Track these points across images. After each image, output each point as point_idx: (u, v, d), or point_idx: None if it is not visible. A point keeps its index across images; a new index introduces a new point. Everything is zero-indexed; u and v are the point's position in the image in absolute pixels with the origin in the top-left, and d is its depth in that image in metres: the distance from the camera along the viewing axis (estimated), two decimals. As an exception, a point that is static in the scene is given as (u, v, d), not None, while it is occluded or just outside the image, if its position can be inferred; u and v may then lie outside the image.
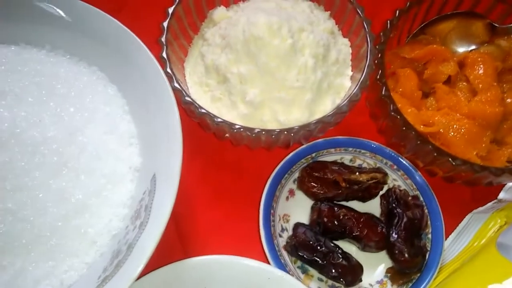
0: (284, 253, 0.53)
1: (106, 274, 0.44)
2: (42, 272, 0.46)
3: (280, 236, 0.54)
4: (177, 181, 0.44)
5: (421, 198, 0.55)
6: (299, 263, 0.54)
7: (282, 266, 0.50)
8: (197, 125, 0.59)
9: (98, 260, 0.47)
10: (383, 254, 0.54)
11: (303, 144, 0.56)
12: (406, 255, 0.50)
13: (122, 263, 0.43)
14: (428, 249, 0.52)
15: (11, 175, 0.44)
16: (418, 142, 0.51)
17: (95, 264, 0.47)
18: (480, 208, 0.56)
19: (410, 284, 0.51)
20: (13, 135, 0.45)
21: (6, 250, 0.45)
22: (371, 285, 0.53)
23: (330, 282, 0.53)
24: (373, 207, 0.56)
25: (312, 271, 0.53)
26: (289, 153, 0.56)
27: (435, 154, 0.51)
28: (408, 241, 0.51)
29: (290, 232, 0.55)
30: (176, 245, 0.55)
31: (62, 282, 0.46)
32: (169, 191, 0.43)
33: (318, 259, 0.51)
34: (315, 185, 0.54)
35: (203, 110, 0.51)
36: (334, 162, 0.56)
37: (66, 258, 0.47)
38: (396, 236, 0.51)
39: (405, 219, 0.52)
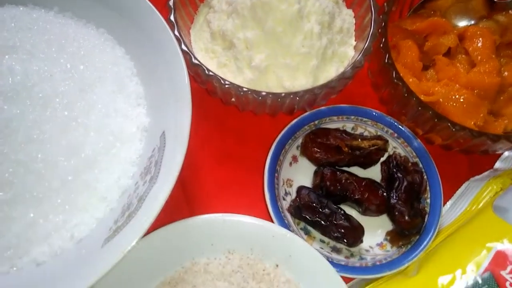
0: (288, 215, 0.54)
1: (118, 225, 0.44)
2: (52, 225, 0.46)
3: (284, 199, 0.55)
4: (187, 136, 0.45)
5: (420, 165, 0.56)
6: (302, 224, 0.55)
7: (286, 227, 0.52)
8: (202, 91, 0.60)
9: (108, 215, 0.48)
10: (382, 218, 0.56)
11: (306, 111, 0.58)
12: (406, 216, 0.51)
13: (133, 214, 0.43)
14: (427, 212, 0.54)
15: (22, 128, 0.45)
16: (419, 108, 0.53)
17: (105, 219, 0.47)
18: (477, 176, 0.58)
19: (409, 246, 0.53)
20: (25, 88, 0.45)
21: (18, 201, 0.45)
22: (371, 247, 0.54)
23: (332, 243, 0.54)
24: (374, 173, 0.58)
25: (314, 232, 0.55)
26: (293, 120, 0.57)
27: (435, 120, 0.53)
28: (408, 203, 0.52)
29: (293, 196, 0.56)
30: (182, 205, 0.56)
31: (73, 235, 0.47)
32: (179, 146, 0.44)
33: (321, 220, 0.52)
34: (318, 150, 0.56)
35: (210, 73, 0.52)
36: (337, 129, 0.58)
37: (77, 212, 0.47)
38: (396, 198, 0.53)
39: (405, 183, 0.53)
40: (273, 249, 0.50)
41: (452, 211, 0.56)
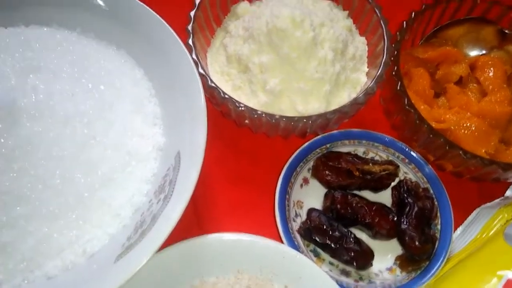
0: (298, 237, 0.55)
1: (131, 242, 0.45)
2: (66, 240, 0.47)
3: (294, 220, 0.56)
4: (202, 157, 0.46)
5: (431, 191, 0.57)
6: (311, 246, 0.55)
7: (296, 248, 0.52)
8: (217, 112, 0.62)
9: (121, 231, 0.48)
10: (392, 243, 0.56)
11: (319, 135, 0.59)
12: (417, 242, 0.52)
13: (146, 232, 0.44)
14: (437, 238, 0.54)
15: (43, 144, 0.46)
16: (430, 135, 0.54)
17: (118, 235, 0.48)
18: (488, 204, 0.58)
19: (419, 272, 0.53)
20: (47, 107, 0.47)
21: (34, 216, 0.46)
22: (380, 271, 0.54)
23: (341, 266, 0.54)
24: (385, 197, 0.58)
25: (324, 255, 0.55)
26: (305, 142, 0.58)
27: (447, 147, 0.53)
28: (419, 229, 0.53)
29: (304, 218, 0.56)
30: (192, 224, 0.56)
31: (85, 250, 0.48)
32: (194, 166, 0.45)
33: (331, 243, 0.53)
34: (329, 173, 0.56)
35: (226, 96, 0.54)
36: (348, 153, 0.58)
37: (90, 228, 0.48)
38: (407, 224, 0.53)
39: (415, 209, 0.54)
40: (282, 270, 0.50)
41: (462, 238, 0.56)
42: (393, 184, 0.58)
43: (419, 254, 0.52)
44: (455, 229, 0.57)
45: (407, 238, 0.52)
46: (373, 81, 0.56)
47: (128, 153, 0.50)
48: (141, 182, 0.51)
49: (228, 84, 0.60)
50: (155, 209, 0.46)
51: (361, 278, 0.53)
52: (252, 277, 0.51)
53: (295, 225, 0.56)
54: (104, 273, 0.44)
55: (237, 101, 0.53)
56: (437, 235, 0.54)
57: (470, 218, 0.57)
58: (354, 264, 0.52)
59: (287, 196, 0.56)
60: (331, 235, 0.53)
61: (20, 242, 0.46)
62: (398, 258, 0.55)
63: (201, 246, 0.50)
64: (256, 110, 0.53)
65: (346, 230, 0.53)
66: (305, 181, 0.59)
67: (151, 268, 0.49)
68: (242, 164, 0.61)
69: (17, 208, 0.46)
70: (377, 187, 0.58)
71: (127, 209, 0.49)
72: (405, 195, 0.55)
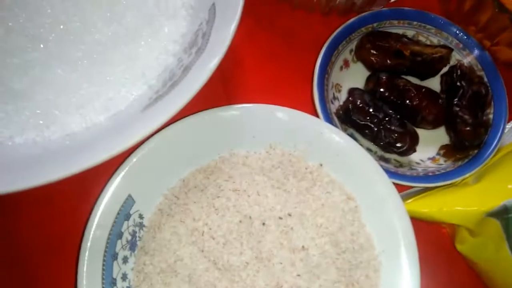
0: (335, 119, 0.50)
1: (159, 94, 0.41)
2: (86, 95, 0.43)
3: (332, 103, 0.51)
4: (241, 7, 0.40)
5: (485, 79, 0.51)
6: (349, 131, 0.51)
7: (333, 129, 0.47)
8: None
9: (146, 92, 0.44)
10: (437, 132, 0.51)
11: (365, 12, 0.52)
12: (470, 125, 0.47)
13: (178, 83, 0.40)
14: (490, 125, 0.49)
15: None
16: (496, 10, 0.47)
17: (143, 95, 0.44)
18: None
19: (466, 160, 0.48)
20: None
21: (50, 64, 0.42)
22: (422, 160, 0.50)
23: (380, 152, 0.50)
24: (432, 86, 0.53)
25: (362, 140, 0.51)
26: (350, 19, 0.52)
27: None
28: (472, 112, 0.48)
29: (341, 101, 0.51)
30: (221, 98, 0.51)
31: (107, 108, 0.43)
32: (231, 17, 0.40)
33: (372, 125, 0.48)
34: (375, 52, 0.51)
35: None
36: (397, 34, 0.52)
37: (112, 85, 0.43)
38: (459, 107, 0.48)
39: (469, 92, 0.49)
40: (318, 147, 0.46)
41: (514, 131, 0.51)
42: (443, 71, 0.53)
43: (470, 140, 0.48)
44: (508, 121, 0.52)
45: (458, 121, 0.47)
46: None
47: (156, 5, 0.45)
48: (169, 41, 0.45)
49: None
50: (186, 62, 0.42)
51: (401, 166, 0.49)
52: (285, 152, 0.47)
53: (333, 107, 0.51)
54: (128, 125, 0.40)
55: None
56: (489, 124, 0.49)
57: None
58: (397, 146, 0.47)
59: (326, 76, 0.51)
60: (374, 115, 0.48)
61: (34, 91, 0.42)
62: (443, 147, 0.50)
63: (232, 116, 0.46)
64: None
65: (390, 111, 0.49)
66: (346, 63, 0.54)
67: (176, 136, 0.44)
68: (277, 42, 0.55)
69: (33, 53, 0.41)
70: (426, 73, 0.52)
71: (153, 69, 0.44)
72: (458, 79, 0.50)
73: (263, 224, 0.43)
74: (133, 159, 0.43)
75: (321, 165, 0.46)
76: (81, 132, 0.43)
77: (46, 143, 0.42)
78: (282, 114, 0.46)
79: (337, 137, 0.45)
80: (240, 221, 0.43)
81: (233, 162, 0.46)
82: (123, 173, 0.42)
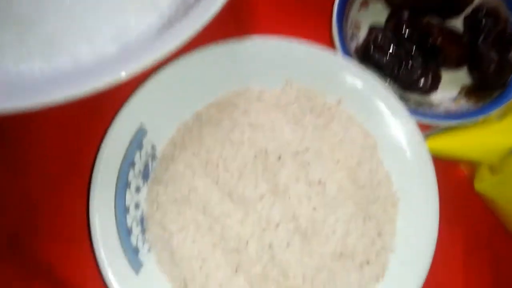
0: (354, 59, 0.48)
1: (171, 21, 0.39)
2: (93, 21, 0.41)
3: (351, 40, 0.49)
4: None
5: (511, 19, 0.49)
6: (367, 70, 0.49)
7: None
8: None
9: (157, 20, 0.42)
10: (459, 73, 0.49)
11: None
12: (495, 63, 0.45)
13: (191, 8, 0.38)
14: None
15: None
16: None
17: (155, 24, 0.41)
18: None
19: (489, 101, 0.47)
20: None
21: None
22: (442, 101, 0.48)
23: (399, 92, 0.48)
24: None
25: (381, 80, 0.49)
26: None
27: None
28: (497, 51, 0.46)
29: (360, 41, 0.49)
30: (231, 29, 0.48)
31: (117, 37, 0.41)
32: None
33: (393, 63, 0.46)
34: (398, -14, 0.48)
35: None
36: (420, -30, 0.50)
37: (123, 13, 0.41)
38: (483, 46, 0.46)
39: (495, 31, 0.47)
40: (337, 84, 0.44)
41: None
42: (466, 14, 0.51)
43: (495, 78, 0.46)
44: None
45: (483, 59, 0.46)
46: None
47: None
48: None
49: None
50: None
51: (421, 106, 0.48)
52: (302, 88, 0.45)
53: (352, 45, 0.49)
54: (138, 51, 0.38)
55: None
56: (515, 66, 0.48)
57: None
58: (420, 83, 0.46)
59: (345, 11, 0.48)
60: (396, 53, 0.46)
61: (40, 17, 0.40)
62: (465, 88, 0.49)
63: (245, 49, 0.44)
64: None
65: (413, 47, 0.47)
66: (365, 3, 0.51)
67: (189, 67, 0.43)
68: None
69: (39, -25, 0.39)
70: (449, 11, 0.50)
71: (166, -1, 0.42)
72: (483, 18, 0.48)
73: (279, 158, 0.42)
74: (144, 88, 0.41)
75: (339, 101, 0.45)
76: (90, 60, 0.41)
77: (52, 72, 0.41)
78: (299, 48, 0.44)
79: (356, 74, 0.44)
80: (256, 155, 0.42)
81: (248, 97, 0.44)
82: (134, 101, 0.41)
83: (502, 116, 0.44)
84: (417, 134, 0.42)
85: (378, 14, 0.51)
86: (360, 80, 0.44)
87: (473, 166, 0.46)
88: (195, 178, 0.41)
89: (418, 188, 0.41)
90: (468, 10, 0.51)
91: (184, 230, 0.40)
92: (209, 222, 0.40)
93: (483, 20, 0.48)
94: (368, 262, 0.40)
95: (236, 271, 0.39)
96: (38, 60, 0.40)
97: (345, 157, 0.42)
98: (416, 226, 0.41)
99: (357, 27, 0.51)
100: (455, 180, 0.49)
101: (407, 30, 0.48)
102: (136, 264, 0.39)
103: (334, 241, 0.40)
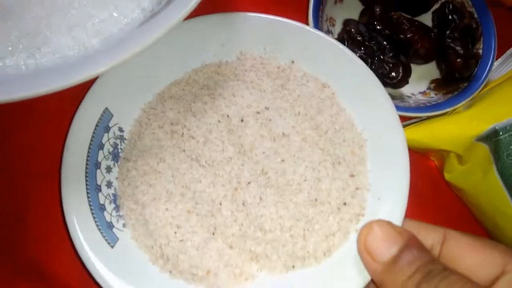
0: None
1: (154, 12, 0.40)
2: (77, 15, 0.41)
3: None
4: None
5: (476, 15, 0.52)
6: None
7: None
8: None
9: (139, 14, 0.42)
10: (428, 67, 0.52)
11: None
12: (461, 56, 0.48)
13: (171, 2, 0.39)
14: (480, 57, 0.50)
15: None
16: None
17: (136, 18, 0.42)
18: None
19: (456, 93, 0.49)
20: None
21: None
22: (413, 94, 0.51)
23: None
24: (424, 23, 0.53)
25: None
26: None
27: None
28: (463, 44, 0.49)
29: (335, 35, 0.51)
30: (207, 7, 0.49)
31: (99, 31, 0.42)
32: None
33: (366, 56, 0.48)
34: (370, -15, 0.51)
35: None
36: (391, -32, 0.52)
37: (105, 6, 0.42)
38: (450, 39, 0.49)
39: (461, 25, 0.50)
40: (287, 45, 0.45)
41: (501, 67, 0.52)
42: (434, 8, 0.53)
43: (461, 71, 0.49)
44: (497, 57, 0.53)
45: (450, 52, 0.48)
46: None
47: None
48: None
49: None
50: (182, -21, 0.40)
51: (393, 98, 0.50)
52: (256, 56, 0.46)
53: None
54: (120, 43, 0.39)
55: None
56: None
57: (511, 50, 0.54)
58: (390, 77, 0.48)
59: (321, 7, 0.50)
60: (368, 46, 0.48)
61: (23, 9, 0.40)
62: (434, 81, 0.51)
63: (199, 27, 0.45)
64: None
65: (385, 42, 0.49)
66: (340, -3, 0.53)
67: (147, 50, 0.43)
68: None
69: (20, -34, 0.40)
70: (418, 7, 0.52)
71: (146, -10, 0.43)
72: (450, 13, 0.51)
73: (242, 120, 0.43)
74: (107, 73, 0.42)
75: (292, 62, 0.46)
76: (73, 55, 0.41)
77: (37, 66, 0.41)
78: (249, 19, 0.45)
79: (304, 31, 0.45)
80: (219, 121, 0.43)
81: (206, 72, 0.46)
82: (98, 86, 0.42)
83: (467, 108, 0.46)
84: (375, 80, 0.43)
85: (352, 9, 0.53)
86: (308, 38, 0.44)
87: (443, 156, 0.48)
88: (162, 150, 0.42)
89: (383, 126, 0.42)
90: (437, 5, 0.53)
91: (156, 200, 0.41)
92: (180, 190, 0.41)
93: (450, 15, 0.50)
94: (345, 204, 0.41)
95: (213, 234, 0.40)
96: (23, 54, 0.40)
97: (305, 109, 0.44)
98: (387, 162, 0.41)
99: (332, 23, 0.53)
100: (426, 171, 0.51)
101: (380, 24, 0.50)
102: (111, 238, 0.40)
103: (307, 189, 0.41)
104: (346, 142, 0.43)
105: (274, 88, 0.45)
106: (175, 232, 0.40)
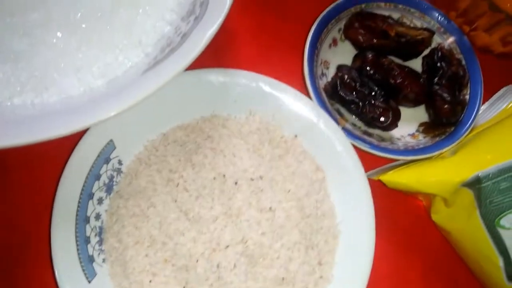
0: (323, 94, 0.52)
1: (157, 60, 0.42)
2: (84, 58, 0.44)
3: (320, 79, 0.53)
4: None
5: (464, 62, 0.55)
6: (336, 105, 0.53)
7: (322, 103, 0.49)
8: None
9: (143, 59, 0.45)
10: (417, 111, 0.54)
11: (354, -7, 0.55)
12: (447, 103, 0.50)
13: (176, 49, 0.41)
14: (467, 103, 0.52)
15: None
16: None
17: (140, 63, 0.45)
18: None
19: (443, 137, 0.51)
20: None
21: (50, 26, 0.43)
22: (402, 136, 0.53)
23: (364, 127, 0.53)
24: (413, 67, 0.55)
25: (348, 115, 0.53)
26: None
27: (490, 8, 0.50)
28: (450, 91, 0.51)
29: (329, 78, 0.54)
30: (212, 63, 0.52)
31: (104, 74, 0.44)
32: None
33: (358, 100, 0.51)
34: (363, 32, 0.53)
35: None
36: (383, 15, 0.55)
37: (110, 51, 0.44)
38: (438, 86, 0.51)
39: (449, 72, 0.52)
40: (295, 119, 0.48)
41: (488, 111, 0.54)
42: (424, 53, 0.56)
43: (448, 116, 0.51)
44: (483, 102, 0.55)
45: (437, 99, 0.51)
46: None
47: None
48: (166, 9, 0.46)
49: None
50: (184, 29, 0.43)
51: (383, 140, 0.52)
52: (264, 120, 0.49)
53: (321, 83, 0.53)
54: (125, 89, 0.41)
55: None
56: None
57: (497, 94, 0.55)
58: (380, 121, 0.50)
59: (315, 52, 0.53)
60: (360, 91, 0.51)
61: (33, 53, 0.43)
62: (423, 124, 0.54)
63: (216, 78, 0.48)
64: None
65: (376, 88, 0.51)
66: (334, 42, 0.56)
67: (161, 90, 0.45)
68: (268, 17, 0.57)
69: (33, 14, 0.42)
70: (408, 54, 0.55)
71: (150, 36, 0.45)
72: (439, 60, 0.53)
73: (236, 183, 0.45)
74: None
75: (295, 136, 0.49)
76: (79, 95, 0.44)
77: (43, 106, 0.43)
78: (264, 83, 0.48)
79: (313, 112, 0.48)
80: (214, 178, 0.45)
81: (214, 123, 0.48)
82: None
83: (453, 153, 0.48)
84: (361, 172, 0.46)
85: (346, 53, 0.56)
86: (315, 119, 0.48)
87: (430, 198, 0.50)
88: (155, 195, 0.44)
89: (359, 223, 0.45)
90: (427, 51, 0.56)
91: (139, 244, 0.43)
92: (163, 238, 0.43)
93: (438, 62, 0.53)
94: None
95: None
96: (30, 94, 0.43)
97: (295, 188, 0.46)
98: (353, 259, 0.44)
99: (327, 66, 0.55)
100: (414, 210, 0.53)
101: (371, 69, 0.52)
102: (90, 272, 0.41)
103: (277, 267, 0.42)
104: (323, 230, 0.45)
105: (273, 157, 0.47)
106: (150, 281, 0.41)
